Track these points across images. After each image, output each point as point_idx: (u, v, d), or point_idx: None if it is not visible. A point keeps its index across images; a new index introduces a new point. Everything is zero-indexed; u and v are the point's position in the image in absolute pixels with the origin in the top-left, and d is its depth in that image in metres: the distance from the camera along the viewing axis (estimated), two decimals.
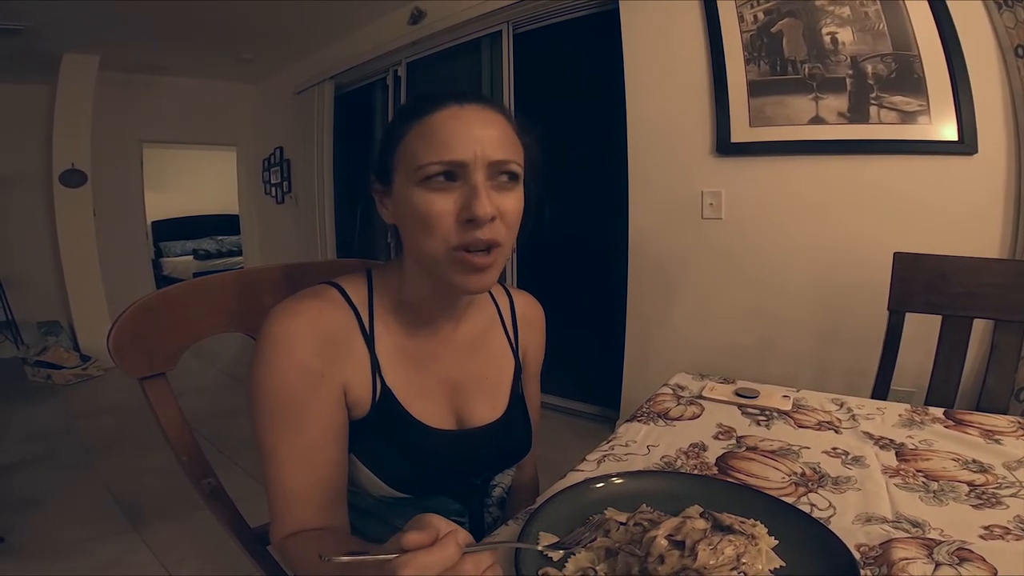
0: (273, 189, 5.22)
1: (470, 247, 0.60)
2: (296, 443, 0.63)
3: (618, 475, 0.69)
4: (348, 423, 0.67)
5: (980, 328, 1.24)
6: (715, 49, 2.10)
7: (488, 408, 0.77)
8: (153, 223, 7.19)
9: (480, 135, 0.60)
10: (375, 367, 0.68)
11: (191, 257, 7.77)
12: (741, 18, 2.05)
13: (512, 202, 0.63)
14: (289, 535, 0.63)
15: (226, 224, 8.05)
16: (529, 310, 0.87)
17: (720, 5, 2.08)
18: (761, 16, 2.02)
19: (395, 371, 0.69)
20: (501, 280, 0.85)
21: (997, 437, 0.84)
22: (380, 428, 0.68)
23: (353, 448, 0.68)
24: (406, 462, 0.69)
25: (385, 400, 0.68)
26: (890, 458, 0.79)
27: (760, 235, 2.13)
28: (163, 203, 7.57)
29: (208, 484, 0.78)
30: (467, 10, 3.02)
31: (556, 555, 0.55)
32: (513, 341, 0.83)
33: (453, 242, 0.60)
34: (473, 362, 0.77)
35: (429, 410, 0.71)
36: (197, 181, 8.15)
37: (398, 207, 0.65)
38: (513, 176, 0.63)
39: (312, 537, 0.62)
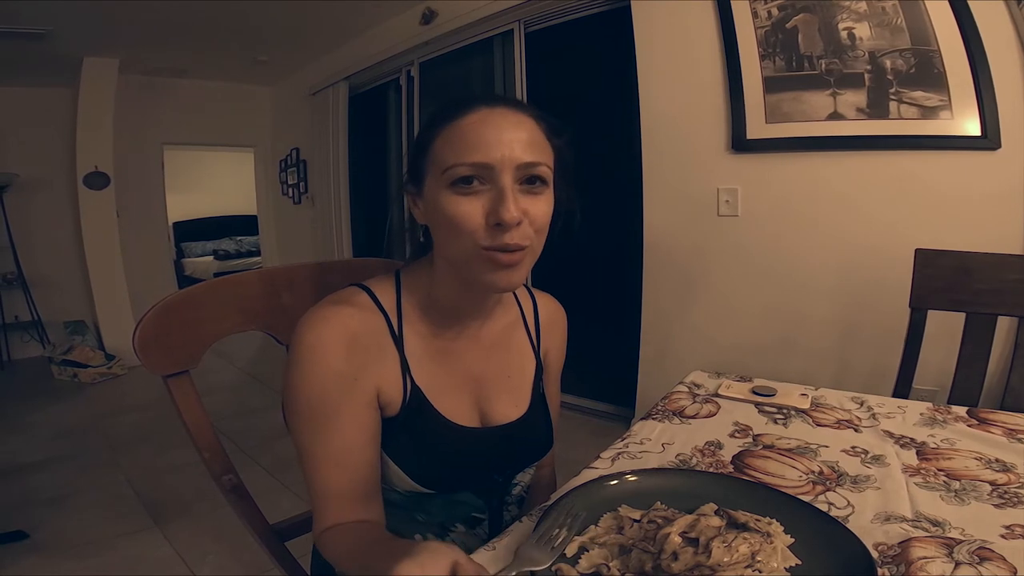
0: (290, 190, 5.29)
1: (498, 250, 0.61)
2: (331, 445, 0.65)
3: (632, 472, 0.69)
4: (381, 423, 0.69)
5: (1004, 325, 1.22)
6: (729, 45, 2.08)
7: (511, 406, 0.78)
8: (174, 224, 7.32)
9: (508, 137, 0.61)
10: (404, 368, 0.69)
11: (211, 257, 7.89)
12: (755, 14, 2.03)
13: (541, 205, 0.63)
14: (328, 528, 0.66)
15: (245, 224, 8.17)
16: (552, 313, 0.88)
17: (734, 3, 2.06)
18: (775, 12, 1.99)
19: (423, 369, 0.71)
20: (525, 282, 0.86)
21: (1021, 436, 0.82)
22: (409, 426, 0.69)
23: (383, 445, 0.70)
24: (433, 459, 0.71)
25: (415, 399, 0.69)
26: (911, 457, 0.77)
27: (778, 232, 2.11)
28: (184, 204, 7.69)
29: (229, 481, 0.79)
30: (478, 9, 3.03)
31: (569, 550, 0.55)
32: (535, 342, 0.84)
33: (483, 243, 0.61)
34: (497, 359, 0.79)
35: (456, 407, 0.72)
36: (216, 182, 8.27)
37: (428, 209, 0.66)
38: (542, 179, 0.63)
39: (347, 530, 0.65)
